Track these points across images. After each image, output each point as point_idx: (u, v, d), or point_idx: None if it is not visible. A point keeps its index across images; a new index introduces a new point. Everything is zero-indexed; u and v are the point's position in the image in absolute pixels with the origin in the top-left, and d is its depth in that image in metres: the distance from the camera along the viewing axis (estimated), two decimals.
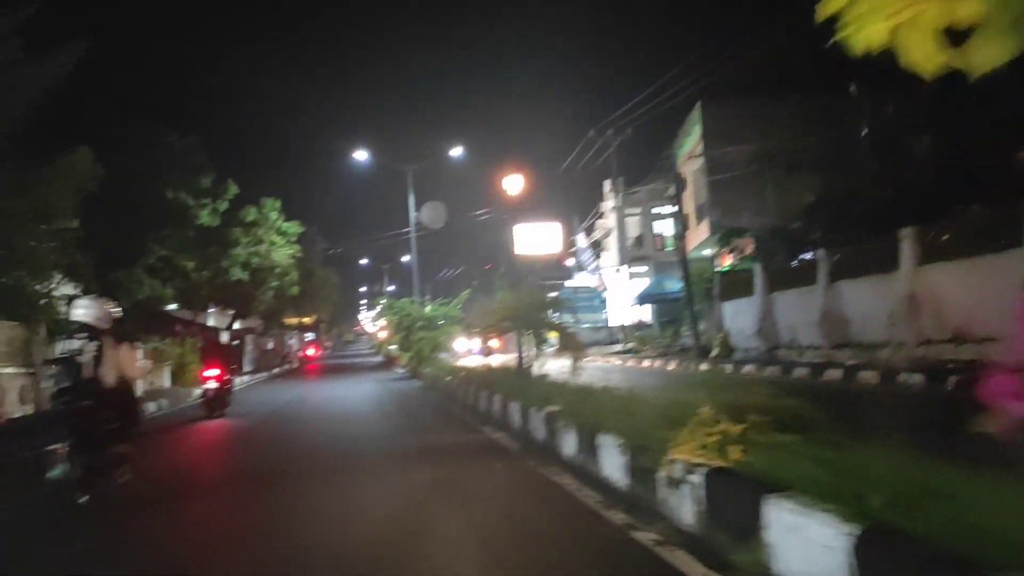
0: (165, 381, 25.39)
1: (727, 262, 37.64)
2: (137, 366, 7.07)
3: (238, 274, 30.48)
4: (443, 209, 30.63)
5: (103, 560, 4.97)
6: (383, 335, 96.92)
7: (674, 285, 39.30)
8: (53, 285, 15.05)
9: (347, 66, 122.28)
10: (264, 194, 31.79)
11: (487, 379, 12.13)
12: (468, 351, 32.32)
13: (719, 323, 24.44)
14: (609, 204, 44.92)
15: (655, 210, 42.82)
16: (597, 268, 37.59)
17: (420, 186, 31.41)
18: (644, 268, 41.92)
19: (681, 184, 25.92)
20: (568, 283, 43.23)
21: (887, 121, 20.69)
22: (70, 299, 21.39)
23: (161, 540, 5.42)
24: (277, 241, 31.72)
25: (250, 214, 31.00)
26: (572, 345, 11.12)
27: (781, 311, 21.12)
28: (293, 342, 59.06)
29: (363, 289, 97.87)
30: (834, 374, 16.01)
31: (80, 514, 6.08)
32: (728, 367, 20.34)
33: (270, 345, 47.68)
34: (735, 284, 24.07)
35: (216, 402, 14.78)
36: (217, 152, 30.28)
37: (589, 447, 6.30)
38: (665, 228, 42.95)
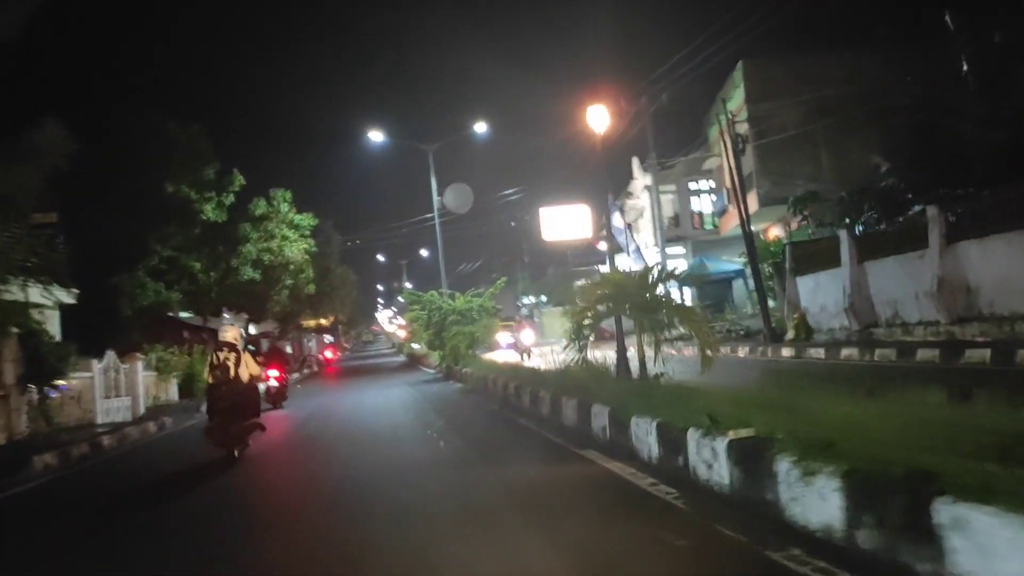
0: (173, 393, 22.53)
1: (773, 236, 34.57)
2: (257, 368, 10.29)
3: (249, 273, 27.58)
4: (468, 191, 27.57)
5: (256, 479, 8.60)
6: (402, 334, 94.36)
7: (717, 265, 36.18)
8: (10, 289, 12.04)
9: (358, 41, 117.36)
10: (273, 185, 28.89)
11: (572, 382, 9.06)
12: (514, 345, 29.20)
13: (793, 301, 21.26)
14: (640, 183, 41.80)
15: (692, 186, 39.58)
16: (638, 250, 34.23)
17: (443, 169, 28.41)
18: (681, 249, 38.73)
19: (741, 142, 22.71)
20: (602, 268, 40.06)
21: (993, 53, 17.45)
22: (62, 306, 18.67)
23: (282, 469, 9.31)
24: (290, 235, 28.76)
25: (259, 207, 28.08)
26: (703, 334, 7.98)
27: (877, 283, 17.91)
28: (312, 345, 56.45)
29: (380, 287, 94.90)
30: (977, 355, 12.81)
31: (236, 459, 9.47)
32: (818, 352, 17.24)
33: (288, 349, 44.86)
34: (811, 256, 20.85)
35: (278, 396, 17.80)
36: (220, 140, 27.41)
37: (913, 524, 3.19)
38: (703, 205, 39.73)
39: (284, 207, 28.47)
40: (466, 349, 20.97)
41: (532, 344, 30.47)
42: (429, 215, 29.08)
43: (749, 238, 22.12)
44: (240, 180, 26.38)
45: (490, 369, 16.29)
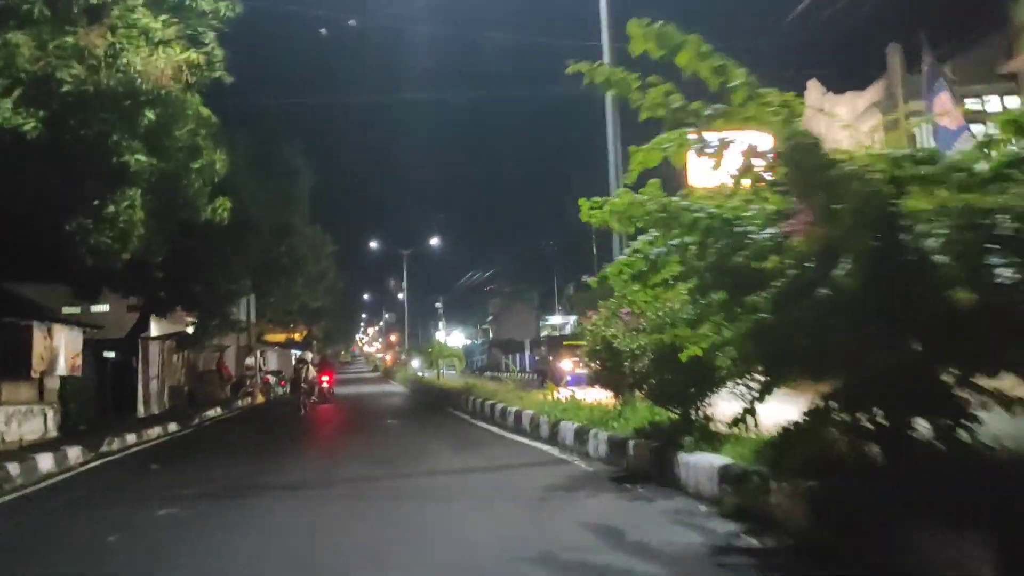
0: None
1: None
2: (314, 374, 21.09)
3: (9, 118, 8.36)
4: None
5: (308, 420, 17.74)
6: (383, 355, 71.99)
7: None
8: None
9: None
10: None
11: None
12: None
13: None
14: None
15: (970, 105, 20.37)
16: None
17: None
18: None
19: None
20: None
21: None
22: None
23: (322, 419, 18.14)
24: (153, 25, 9.62)
25: None
26: None
27: None
28: (265, 360, 36.23)
29: (365, 297, 74.82)
30: None
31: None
32: None
33: (213, 364, 25.44)
34: None
35: (328, 393, 22.96)
36: None
37: None
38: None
39: None
40: None
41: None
42: None
43: None
44: None
45: None
